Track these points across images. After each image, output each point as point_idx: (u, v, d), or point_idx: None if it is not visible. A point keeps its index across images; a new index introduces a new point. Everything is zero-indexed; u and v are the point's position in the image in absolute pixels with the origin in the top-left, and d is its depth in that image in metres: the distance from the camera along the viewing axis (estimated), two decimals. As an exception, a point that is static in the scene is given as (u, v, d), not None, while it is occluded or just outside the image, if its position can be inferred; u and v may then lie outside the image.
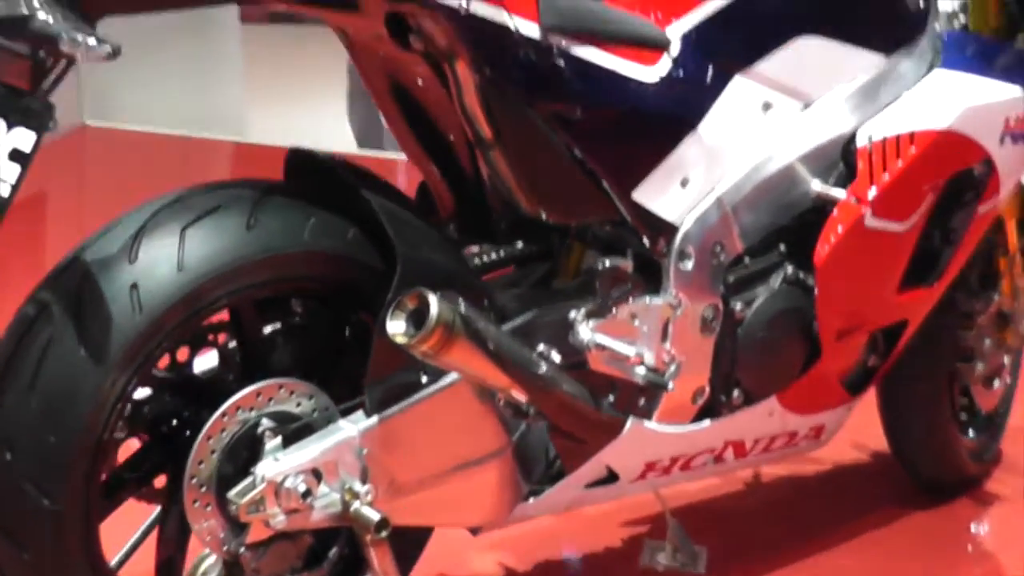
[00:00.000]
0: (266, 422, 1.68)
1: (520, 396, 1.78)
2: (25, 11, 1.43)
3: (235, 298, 1.65)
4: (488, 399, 1.81)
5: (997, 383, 2.56)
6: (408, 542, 1.87)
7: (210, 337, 1.73)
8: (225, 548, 1.69)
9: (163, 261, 1.58)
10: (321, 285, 1.73)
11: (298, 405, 1.72)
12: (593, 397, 1.89)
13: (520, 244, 1.98)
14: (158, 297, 1.57)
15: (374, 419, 1.73)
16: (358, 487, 1.71)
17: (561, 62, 1.78)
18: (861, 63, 2.08)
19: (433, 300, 1.62)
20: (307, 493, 1.68)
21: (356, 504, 1.71)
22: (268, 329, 1.76)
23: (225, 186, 1.69)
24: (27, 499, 1.54)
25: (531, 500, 1.95)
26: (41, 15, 1.44)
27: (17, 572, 1.58)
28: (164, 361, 1.69)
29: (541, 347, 1.85)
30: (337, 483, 1.71)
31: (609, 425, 1.94)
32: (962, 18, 2.27)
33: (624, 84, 1.86)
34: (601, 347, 1.87)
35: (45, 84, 1.47)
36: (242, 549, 1.69)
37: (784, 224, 2.06)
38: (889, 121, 2.06)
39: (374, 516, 1.70)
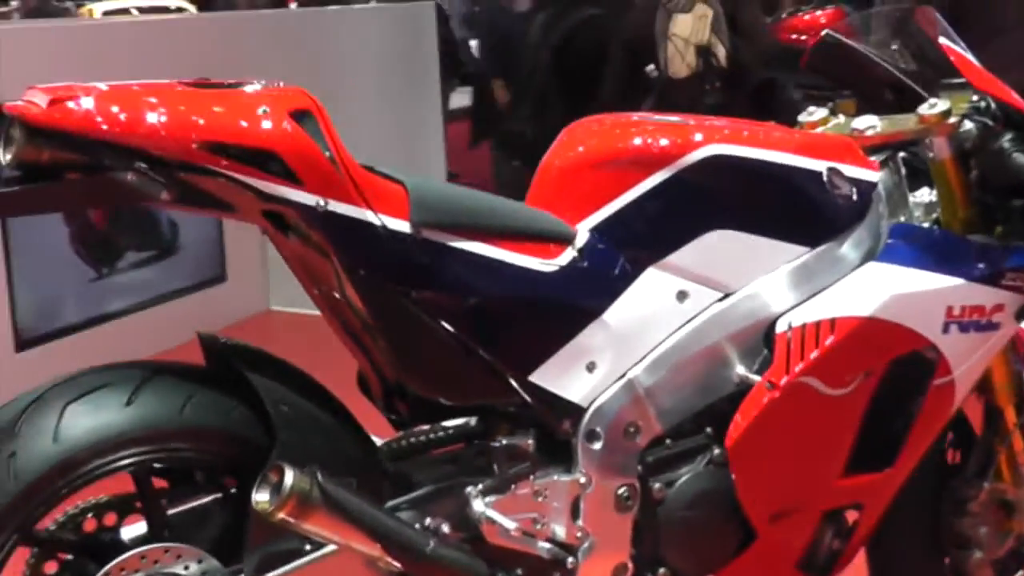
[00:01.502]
0: None
1: (395, 565, 1.89)
2: None
3: (113, 467, 1.83)
4: (373, 568, 1.92)
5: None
6: None
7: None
8: None
9: (41, 433, 1.78)
10: (208, 459, 1.90)
11: (186, 568, 1.87)
12: (492, 571, 1.98)
13: (472, 422, 2.10)
14: (32, 465, 1.77)
15: None
16: None
17: (440, 256, 1.92)
18: (782, 255, 2.12)
19: (289, 472, 1.77)
20: None
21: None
22: (167, 498, 1.93)
23: (123, 366, 1.89)
24: None
25: None
26: None
27: None
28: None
29: (432, 520, 1.95)
30: (215, 642, 1.85)
31: None
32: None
33: (516, 274, 1.98)
34: (493, 522, 1.96)
35: None
36: None
37: (709, 407, 2.11)
38: (810, 309, 2.10)
39: None
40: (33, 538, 1.86)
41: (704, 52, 5.49)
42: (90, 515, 1.94)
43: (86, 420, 1.80)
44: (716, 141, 2.09)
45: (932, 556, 2.45)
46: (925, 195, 2.28)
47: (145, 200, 1.80)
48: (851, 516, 2.24)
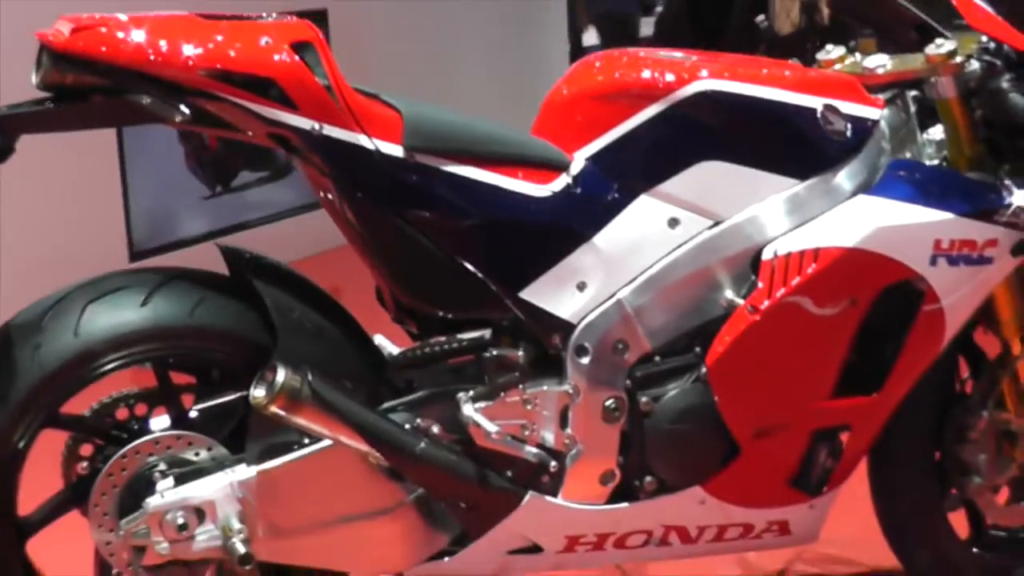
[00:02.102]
0: (162, 465, 2.05)
1: (383, 461, 2.07)
2: None
3: (128, 361, 2.03)
4: (366, 462, 2.10)
5: None
6: None
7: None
8: (129, 567, 2.07)
9: (63, 328, 1.99)
10: (219, 358, 2.09)
11: (196, 455, 2.08)
12: (481, 471, 2.14)
13: (486, 335, 2.26)
14: (54, 355, 1.98)
15: (251, 470, 2.06)
16: (234, 525, 2.05)
17: (432, 179, 2.07)
18: (772, 186, 2.21)
19: (281, 370, 1.96)
20: (183, 527, 2.03)
21: (231, 540, 2.04)
22: (195, 394, 2.14)
23: (144, 271, 2.09)
24: None
25: (446, 559, 2.22)
26: None
27: None
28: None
29: (423, 422, 2.12)
30: (219, 521, 2.05)
31: (503, 497, 2.17)
32: None
33: (508, 198, 2.12)
34: (481, 426, 2.12)
35: None
36: (140, 570, 2.06)
37: (697, 328, 2.23)
38: (795, 238, 2.19)
39: (240, 551, 2.03)
40: (58, 421, 2.08)
41: (808, 9, 5.48)
42: (122, 405, 2.15)
43: (104, 317, 2.01)
44: (708, 77, 2.19)
45: (936, 483, 2.53)
46: (937, 133, 2.34)
47: (162, 121, 2.00)
48: (845, 438, 2.34)
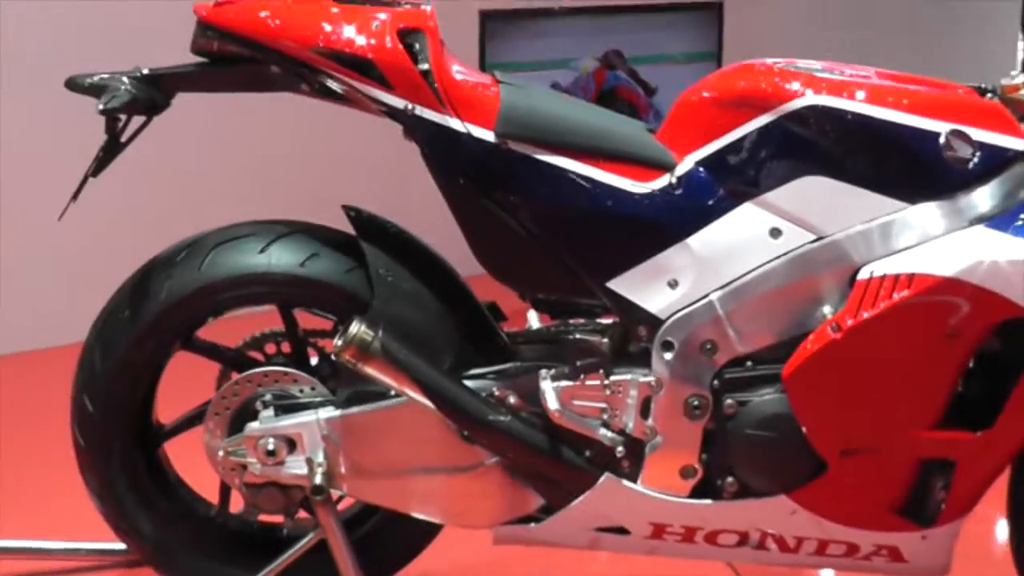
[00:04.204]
0: (268, 396, 2.31)
1: (450, 421, 2.24)
2: (120, 87, 2.22)
3: (243, 298, 2.30)
4: (445, 421, 2.27)
5: None
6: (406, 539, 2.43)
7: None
8: (236, 482, 2.35)
9: (191, 264, 2.29)
10: (328, 308, 2.32)
11: (300, 391, 2.33)
12: (555, 446, 2.26)
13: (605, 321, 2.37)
14: (179, 286, 2.28)
15: (337, 412, 2.29)
16: (318, 459, 2.28)
17: (522, 166, 2.19)
18: (880, 206, 2.17)
19: (356, 324, 2.18)
20: (272, 453, 2.28)
21: (312, 471, 2.28)
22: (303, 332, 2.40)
23: (273, 222, 2.34)
24: (83, 405, 2.33)
25: (532, 525, 2.36)
26: (131, 89, 2.22)
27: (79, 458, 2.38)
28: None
29: (500, 392, 2.26)
30: (306, 453, 2.29)
31: (578, 475, 2.28)
32: None
33: (602, 191, 2.20)
34: (555, 403, 2.23)
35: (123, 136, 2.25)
36: (243, 487, 2.34)
37: (791, 340, 2.23)
38: (894, 262, 2.14)
39: (316, 481, 2.26)
40: (192, 345, 2.39)
41: None
42: (270, 341, 2.43)
43: (225, 258, 2.29)
44: (821, 93, 2.17)
45: None
46: None
47: (290, 90, 2.25)
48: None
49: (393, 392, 2.27)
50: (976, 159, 2.16)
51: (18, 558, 2.74)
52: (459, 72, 2.24)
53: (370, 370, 2.19)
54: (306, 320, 2.40)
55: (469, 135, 2.19)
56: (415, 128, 2.19)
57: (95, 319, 2.35)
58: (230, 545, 2.47)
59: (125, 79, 2.21)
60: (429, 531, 2.46)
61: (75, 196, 2.28)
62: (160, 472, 2.46)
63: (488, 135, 2.19)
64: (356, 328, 2.18)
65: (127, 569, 2.67)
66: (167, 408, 2.47)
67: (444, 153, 2.20)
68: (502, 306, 2.43)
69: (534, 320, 2.46)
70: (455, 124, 2.18)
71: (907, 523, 2.28)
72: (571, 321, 2.38)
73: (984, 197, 2.17)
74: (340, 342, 2.19)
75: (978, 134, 2.17)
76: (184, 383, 2.49)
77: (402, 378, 2.20)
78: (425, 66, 2.17)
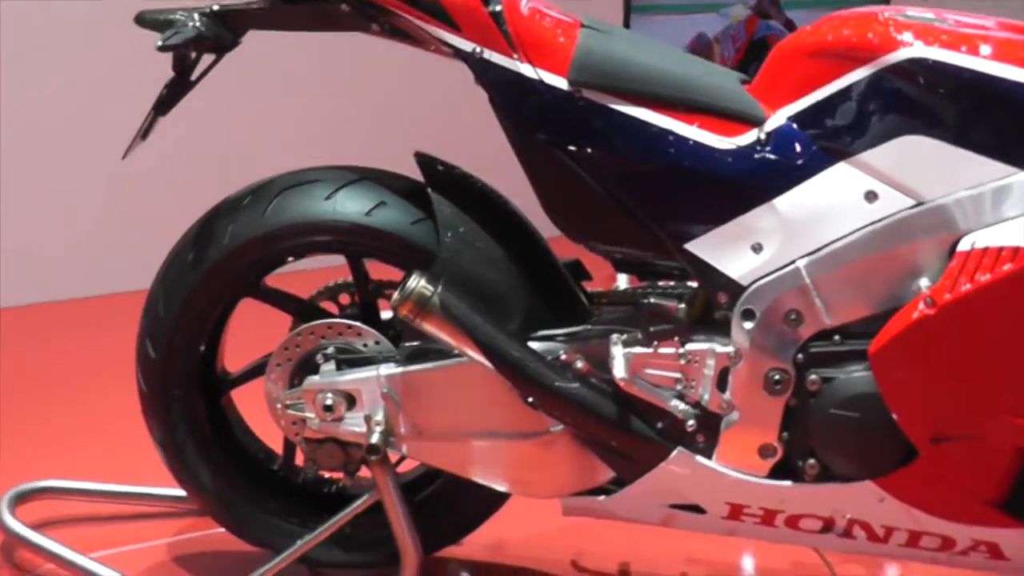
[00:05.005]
0: (331, 349, 2.23)
1: (507, 382, 2.12)
2: (189, 24, 2.15)
3: (305, 246, 2.22)
4: (511, 391, 2.15)
5: None
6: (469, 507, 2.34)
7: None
8: (296, 435, 2.28)
9: (257, 209, 2.21)
10: (393, 260, 2.22)
11: (364, 345, 2.24)
12: (624, 416, 2.13)
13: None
14: (243, 231, 2.21)
15: (398, 369, 2.19)
16: (377, 416, 2.19)
17: (597, 116, 2.05)
18: (987, 171, 1.98)
19: (415, 278, 2.08)
20: (330, 408, 2.20)
21: (370, 429, 2.19)
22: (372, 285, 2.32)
23: (343, 168, 2.25)
24: (146, 351, 2.28)
25: (602, 498, 2.24)
26: (199, 26, 2.15)
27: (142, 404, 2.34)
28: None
29: (567, 356, 2.14)
30: (365, 410, 2.20)
31: (648, 447, 2.15)
32: None
33: (683, 145, 2.05)
34: (630, 371, 2.10)
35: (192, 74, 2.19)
36: (303, 441, 2.27)
37: (884, 313, 2.06)
38: (999, 232, 1.95)
39: (372, 440, 2.17)
40: (258, 292, 2.33)
41: None
42: (343, 292, 2.35)
43: (290, 204, 2.20)
44: (930, 44, 1.99)
45: None
46: None
47: (361, 30, 2.15)
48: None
49: (455, 351, 2.16)
50: None
51: (93, 500, 2.72)
52: (539, 14, 2.11)
53: (428, 327, 2.09)
54: (383, 271, 2.31)
55: (541, 82, 2.06)
56: (484, 73, 2.07)
57: (162, 263, 2.30)
58: (291, 499, 2.40)
59: (196, 15, 2.14)
60: (493, 500, 2.35)
61: (144, 135, 2.22)
62: (225, 422, 2.40)
63: (561, 82, 2.06)
64: (415, 282, 2.08)
65: (197, 518, 2.62)
66: (242, 357, 2.41)
67: (513, 101, 2.07)
68: (589, 265, 2.30)
69: (622, 281, 2.33)
70: (526, 70, 2.06)
71: (1008, 518, 2.10)
72: (659, 284, 2.24)
73: None
74: (398, 296, 2.09)
75: None
76: (260, 333, 2.43)
77: (461, 337, 2.10)
78: (497, 7, 2.05)
